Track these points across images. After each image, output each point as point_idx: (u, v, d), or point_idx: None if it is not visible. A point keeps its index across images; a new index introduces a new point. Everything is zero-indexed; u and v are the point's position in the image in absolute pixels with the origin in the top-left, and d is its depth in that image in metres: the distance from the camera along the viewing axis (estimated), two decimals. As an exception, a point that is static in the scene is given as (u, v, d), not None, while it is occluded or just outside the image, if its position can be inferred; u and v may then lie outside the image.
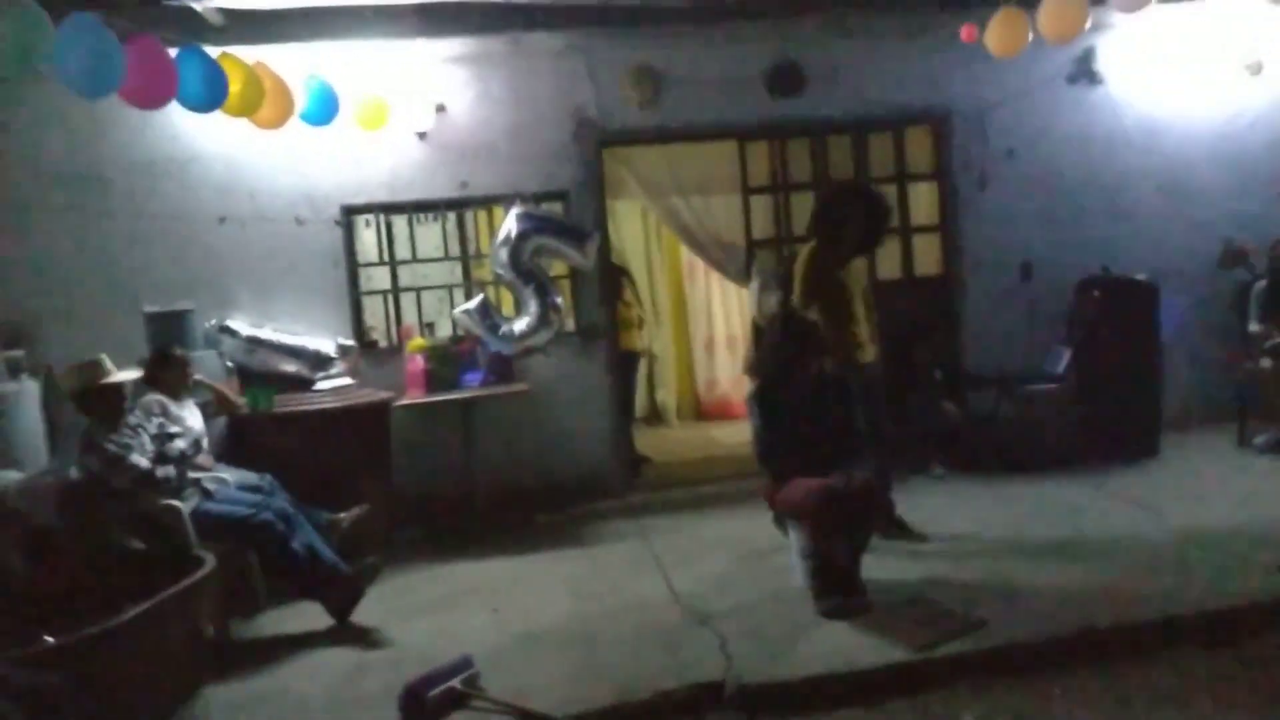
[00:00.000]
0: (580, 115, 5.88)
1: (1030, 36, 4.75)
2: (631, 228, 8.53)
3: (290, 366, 5.34)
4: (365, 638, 3.83)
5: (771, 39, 5.94)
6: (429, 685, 3.12)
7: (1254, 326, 5.99)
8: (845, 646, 3.32)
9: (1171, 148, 6.46)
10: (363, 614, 4.00)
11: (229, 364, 5.26)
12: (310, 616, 4.00)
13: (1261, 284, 6.04)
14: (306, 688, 3.41)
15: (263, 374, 5.27)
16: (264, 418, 4.88)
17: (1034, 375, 6.03)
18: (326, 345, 5.42)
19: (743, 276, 6.34)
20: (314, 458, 4.78)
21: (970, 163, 6.29)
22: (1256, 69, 6.43)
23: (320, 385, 5.25)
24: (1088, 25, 4.58)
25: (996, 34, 4.80)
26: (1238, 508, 4.63)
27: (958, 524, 4.71)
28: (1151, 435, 5.94)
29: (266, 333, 5.41)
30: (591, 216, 5.89)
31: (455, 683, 3.17)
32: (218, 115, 4.23)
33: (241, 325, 5.39)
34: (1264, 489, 4.93)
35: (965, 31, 5.29)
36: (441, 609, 4.13)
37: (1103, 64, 6.30)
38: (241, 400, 4.85)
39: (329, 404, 5.02)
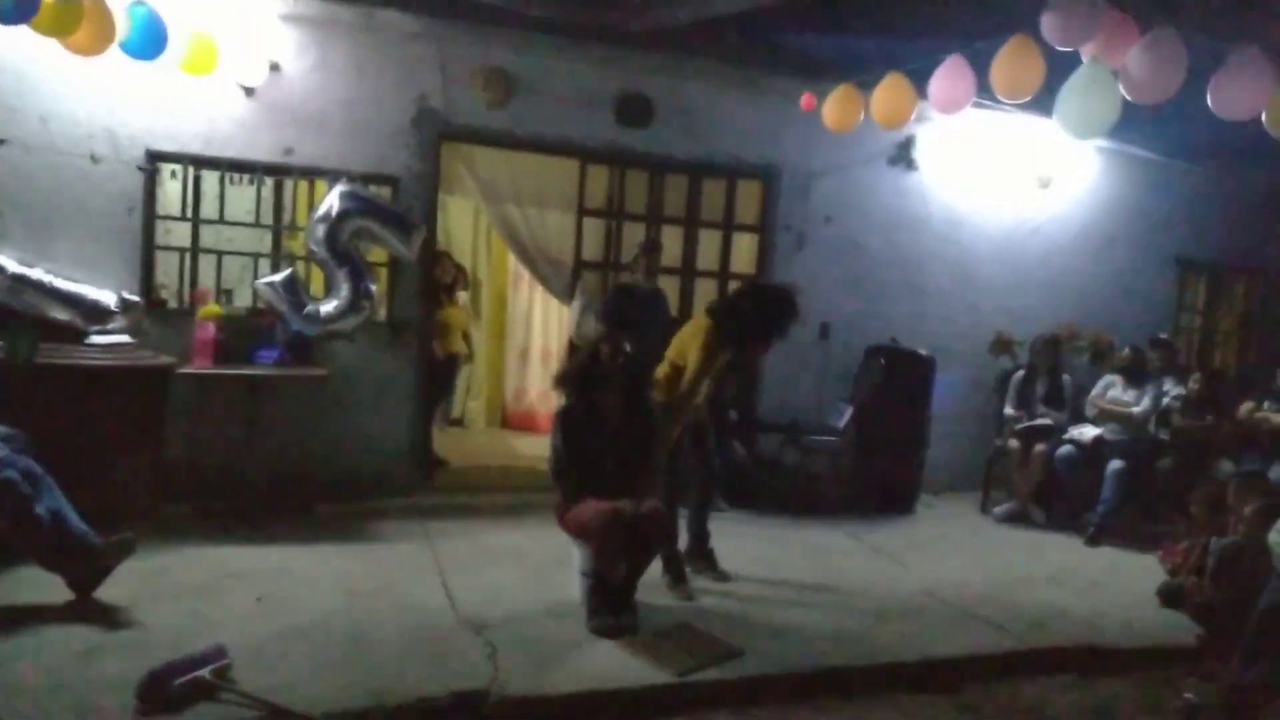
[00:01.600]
0: (423, 103, 5.75)
1: (862, 115, 5.13)
2: (462, 226, 8.42)
3: (62, 314, 4.85)
4: (108, 617, 3.53)
5: (627, 68, 6.08)
6: (174, 673, 2.93)
7: (1009, 410, 6.73)
8: (611, 665, 3.42)
9: (967, 239, 7.15)
10: (111, 592, 3.68)
11: (-12, 301, 4.72)
12: (48, 588, 3.64)
13: (1020, 374, 6.80)
14: (32, 665, 3.11)
15: (28, 319, 4.76)
16: (22, 366, 4.40)
17: (818, 427, 6.45)
18: (107, 297, 4.97)
19: (566, 295, 6.41)
20: (76, 417, 4.37)
21: (791, 223, 6.69)
22: (1045, 183, 7.27)
23: (94, 339, 4.80)
24: (914, 115, 5.01)
25: (833, 109, 5.16)
26: (972, 568, 5.16)
27: (732, 559, 4.95)
28: (911, 495, 6.52)
29: (38, 273, 4.88)
30: (421, 208, 5.77)
31: (204, 673, 2.99)
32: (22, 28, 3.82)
33: (8, 261, 4.85)
34: (996, 554, 5.53)
35: (805, 100, 5.64)
36: (200, 593, 3.87)
37: (920, 153, 6.89)
38: (-3, 342, 4.36)
39: (101, 360, 4.60)
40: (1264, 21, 4.14)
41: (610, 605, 3.75)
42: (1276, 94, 3.90)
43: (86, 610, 3.58)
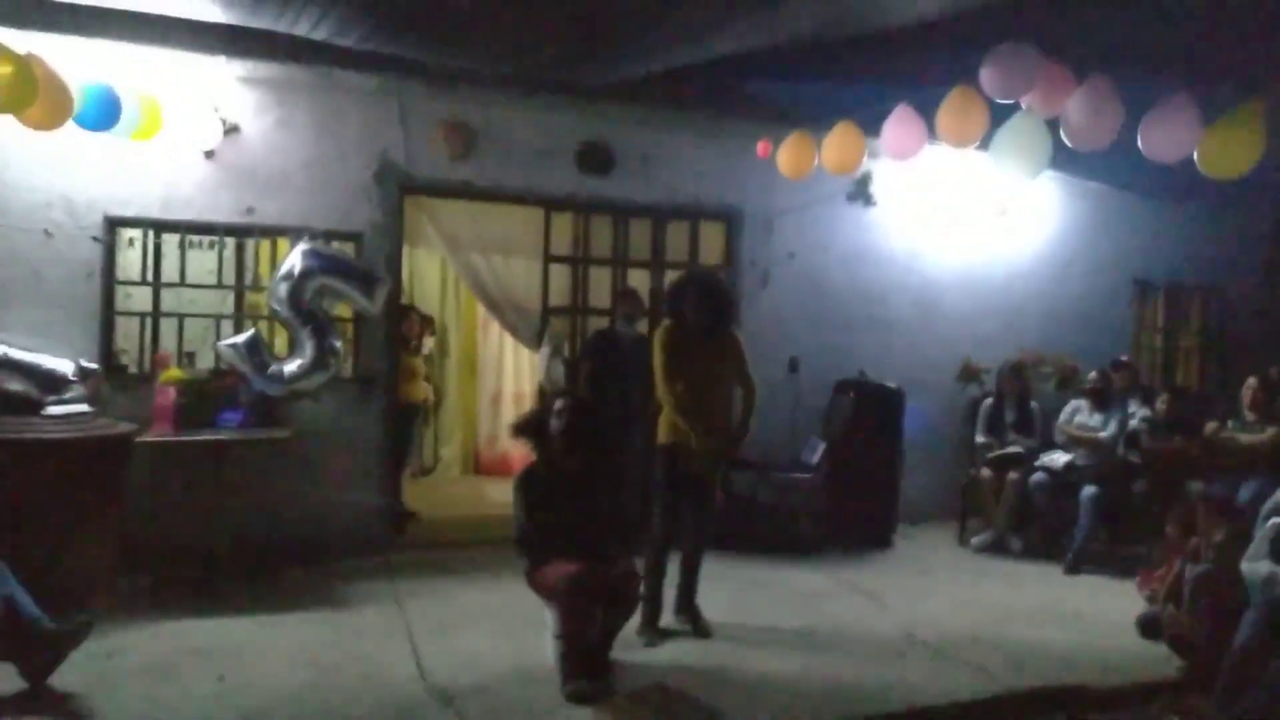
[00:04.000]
0: (385, 158, 5.74)
1: (816, 161, 5.18)
2: (430, 276, 8.39)
3: (17, 385, 4.73)
4: (59, 706, 3.41)
5: (588, 117, 6.12)
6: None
7: (980, 438, 6.75)
8: (585, 734, 3.35)
9: (929, 270, 7.22)
10: (65, 678, 3.56)
11: (-62, 375, 4.61)
12: (-1, 677, 3.53)
13: (989, 401, 6.83)
14: (-20, 765, 3.01)
15: (-19, 392, 4.66)
16: (-26, 442, 4.30)
17: (791, 464, 6.44)
18: (64, 365, 4.88)
19: (534, 341, 6.39)
20: (31, 493, 4.25)
21: (756, 260, 6.73)
22: (1002, 211, 7.36)
23: (51, 410, 4.70)
24: (863, 161, 5.07)
25: (786, 156, 5.22)
26: (951, 604, 5.14)
27: (709, 604, 4.89)
28: (887, 529, 6.51)
29: (-8, 344, 4.81)
30: (386, 262, 5.73)
31: (162, 766, 2.90)
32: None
33: (-40, 333, 4.78)
34: (974, 588, 5.51)
35: (761, 147, 5.70)
36: (160, 674, 3.76)
37: (878, 188, 6.97)
38: (-53, 420, 4.26)
39: (57, 433, 4.48)
40: (1197, 69, 4.23)
41: (584, 668, 3.68)
42: (1205, 137, 3.97)
43: (40, 701, 3.45)
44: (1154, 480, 6.18)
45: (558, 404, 3.96)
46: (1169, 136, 3.95)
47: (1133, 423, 6.52)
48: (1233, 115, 3.96)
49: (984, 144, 4.24)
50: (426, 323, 7.06)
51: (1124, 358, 7.09)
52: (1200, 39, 4.28)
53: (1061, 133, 4.00)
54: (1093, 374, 6.72)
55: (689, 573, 4.61)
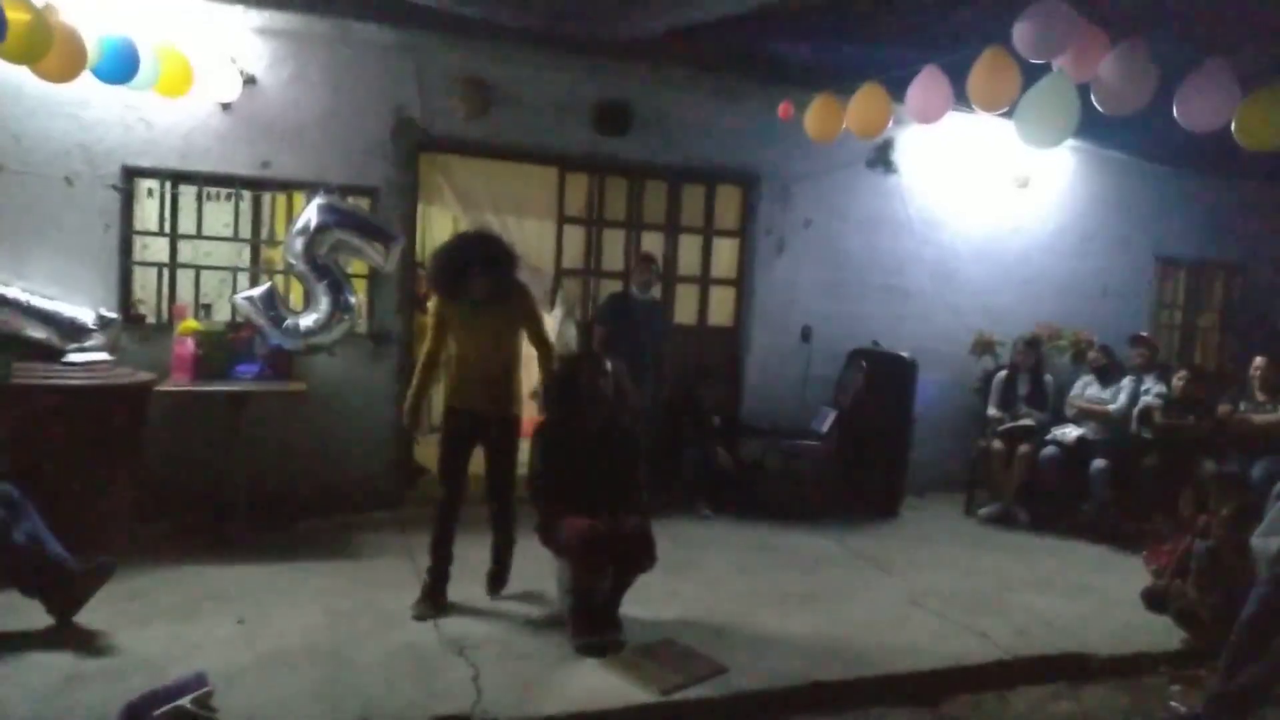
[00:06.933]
0: (401, 114, 5.72)
1: (843, 125, 5.13)
2: (443, 235, 8.34)
3: (38, 333, 4.81)
4: (87, 643, 3.50)
5: (606, 76, 6.07)
6: (153, 703, 2.92)
7: (991, 410, 6.76)
8: (594, 686, 3.41)
9: (946, 240, 7.18)
10: (89, 616, 3.66)
11: (-39, 321, 4.67)
12: (26, 614, 3.61)
13: (1002, 374, 6.83)
14: (10, 695, 3.08)
15: (4, 337, 4.71)
16: (-3, 387, 4.36)
17: (801, 431, 6.46)
18: (85, 314, 4.93)
19: (547, 303, 6.39)
20: (53, 438, 4.32)
21: (772, 227, 6.70)
22: (1024, 183, 7.29)
23: (72, 358, 4.76)
24: (890, 124, 5.02)
25: (814, 119, 5.16)
26: (956, 572, 5.18)
27: (717, 566, 4.98)
28: (895, 498, 6.54)
29: (14, 291, 4.84)
30: (400, 219, 5.74)
31: (185, 702, 2.98)
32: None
33: (-17, 279, 4.82)
34: (980, 557, 5.55)
35: (782, 109, 5.63)
36: (180, 616, 3.85)
37: (899, 155, 6.91)
38: (-30, 365, 4.32)
39: (78, 380, 4.55)
40: (1235, 34, 4.15)
41: (594, 622, 3.74)
42: (1242, 106, 3.91)
43: (66, 636, 3.55)
44: (1165, 457, 6.18)
45: (606, 364, 4.00)
46: (1206, 103, 3.87)
47: (1147, 398, 6.52)
48: (1274, 85, 3.89)
49: (1014, 112, 4.17)
50: (437, 281, 7.06)
51: (1143, 334, 7.06)
52: (1234, 5, 4.21)
53: (1093, 97, 3.93)
54: (1093, 351, 6.71)
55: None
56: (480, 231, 4.42)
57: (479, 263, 4.06)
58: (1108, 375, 6.55)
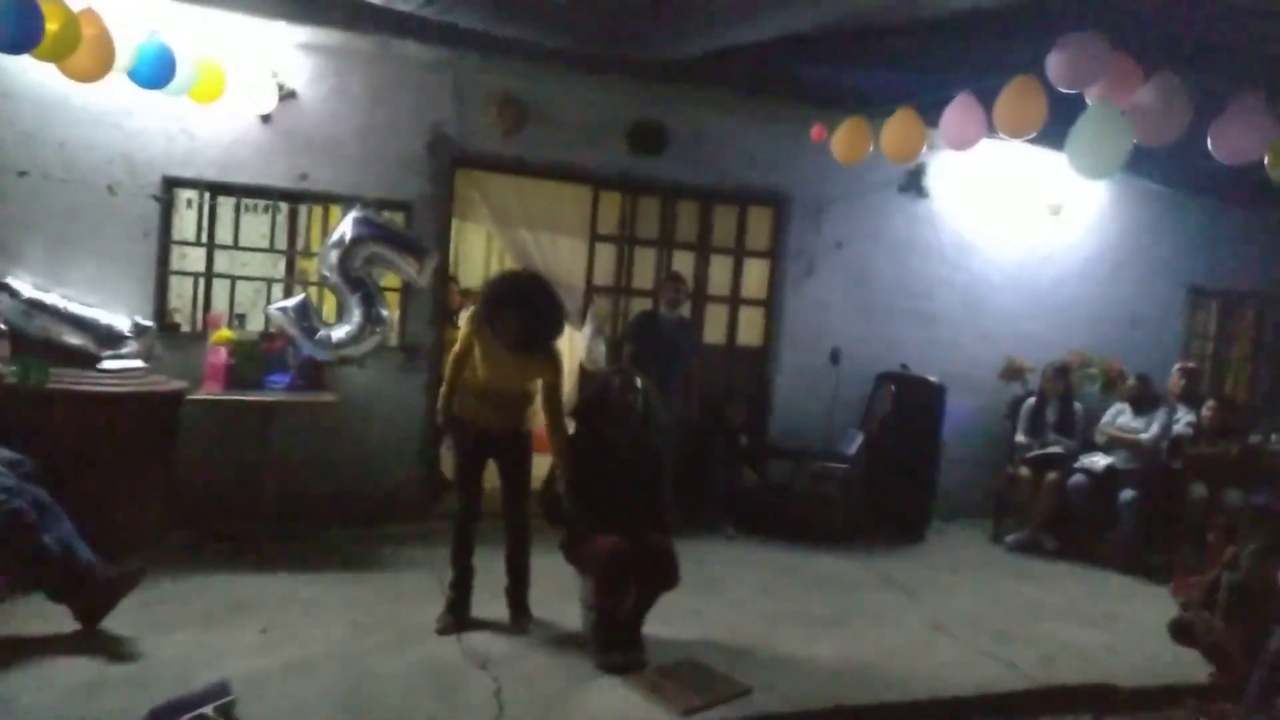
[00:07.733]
0: (438, 130, 5.80)
1: (871, 148, 5.14)
2: (475, 249, 8.44)
3: (75, 339, 4.90)
4: (113, 649, 3.53)
5: (641, 96, 6.11)
6: (177, 710, 2.94)
7: (1020, 438, 6.69)
8: (614, 706, 3.40)
9: (978, 266, 7.14)
10: (116, 622, 3.69)
11: (1, 326, 4.75)
12: (55, 618, 3.66)
13: (1031, 401, 6.76)
14: (35, 700, 3.11)
15: (41, 343, 4.80)
16: (33, 391, 4.43)
17: (828, 454, 6.42)
18: (121, 321, 5.02)
19: (578, 320, 6.42)
20: (86, 443, 4.38)
21: (802, 249, 6.70)
22: (1056, 210, 7.25)
23: (106, 364, 4.84)
24: (925, 149, 5.02)
25: (842, 141, 5.17)
26: (982, 599, 5.12)
27: (741, 587, 4.95)
28: (921, 523, 6.48)
29: (52, 298, 4.94)
30: (434, 233, 5.80)
31: (208, 710, 2.99)
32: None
33: (23, 285, 4.91)
34: (1006, 584, 5.48)
35: (815, 131, 5.64)
36: (205, 624, 3.88)
37: (931, 180, 6.89)
38: (9, 369, 4.39)
39: (112, 387, 4.61)
40: (1267, 65, 4.11)
41: (616, 640, 3.73)
42: (1276, 140, 3.87)
43: (92, 642, 3.58)
44: (1194, 487, 6.08)
45: (637, 380, 3.97)
46: (1241, 136, 3.85)
47: (1178, 428, 6.42)
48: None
49: (1051, 140, 4.13)
50: (467, 295, 7.12)
51: (1190, 364, 6.99)
52: (1266, 38, 4.17)
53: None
54: (1131, 380, 6.64)
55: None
56: (536, 277, 4.20)
57: (518, 306, 3.90)
58: (1142, 405, 6.47)
